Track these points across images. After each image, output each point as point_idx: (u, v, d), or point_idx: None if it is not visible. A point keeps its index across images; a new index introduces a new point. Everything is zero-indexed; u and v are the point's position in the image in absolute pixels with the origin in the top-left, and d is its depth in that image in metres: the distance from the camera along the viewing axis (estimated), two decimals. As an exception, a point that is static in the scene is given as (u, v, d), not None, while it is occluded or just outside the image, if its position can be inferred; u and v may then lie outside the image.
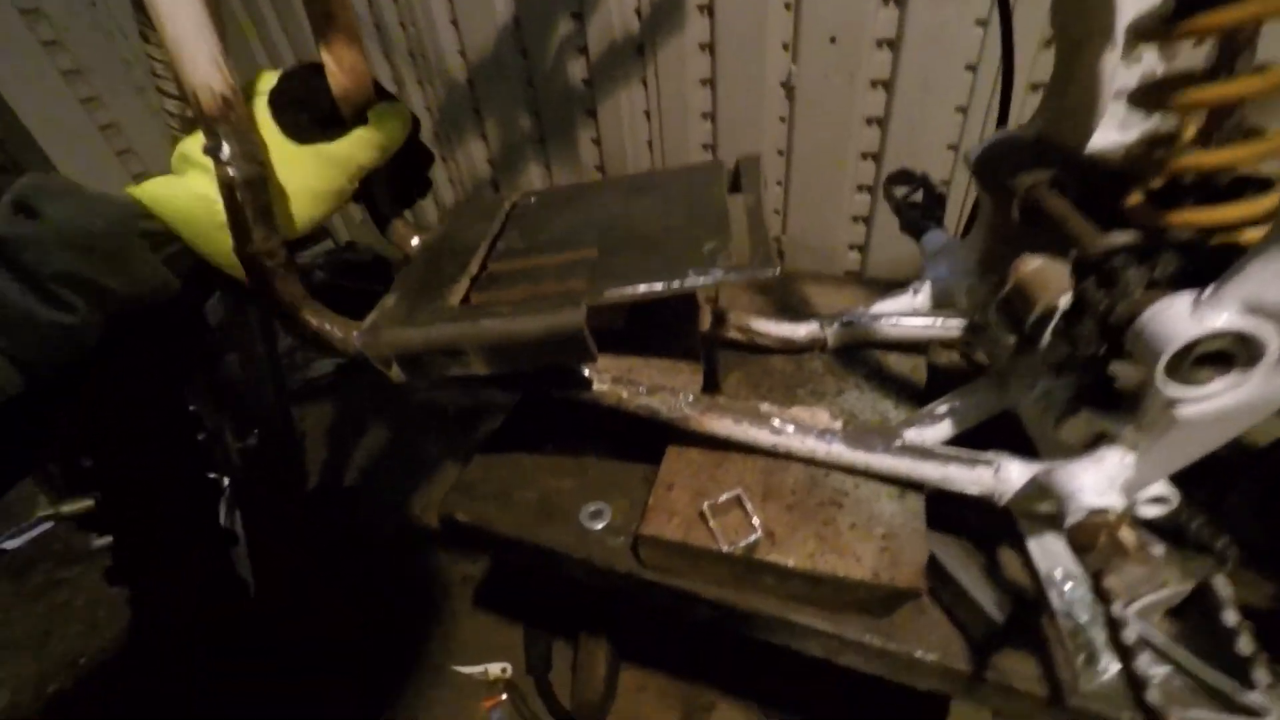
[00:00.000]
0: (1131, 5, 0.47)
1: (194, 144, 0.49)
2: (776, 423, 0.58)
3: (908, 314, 0.69)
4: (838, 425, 0.58)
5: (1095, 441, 0.46)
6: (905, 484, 0.56)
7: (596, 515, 0.64)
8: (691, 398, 0.58)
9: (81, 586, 1.46)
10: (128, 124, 1.75)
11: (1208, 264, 0.36)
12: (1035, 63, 1.05)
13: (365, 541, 1.42)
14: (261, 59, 1.94)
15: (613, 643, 1.02)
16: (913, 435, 0.57)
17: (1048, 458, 0.49)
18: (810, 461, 0.58)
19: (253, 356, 0.99)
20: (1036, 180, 0.54)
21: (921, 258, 0.76)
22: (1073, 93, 0.56)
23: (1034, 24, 0.99)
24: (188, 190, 0.48)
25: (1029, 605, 0.52)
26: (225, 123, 0.46)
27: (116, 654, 1.28)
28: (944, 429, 0.57)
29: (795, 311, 0.81)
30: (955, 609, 0.52)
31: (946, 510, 0.57)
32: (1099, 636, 0.49)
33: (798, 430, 0.57)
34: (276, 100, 0.51)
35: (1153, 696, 0.31)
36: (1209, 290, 0.35)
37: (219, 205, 0.50)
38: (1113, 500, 0.41)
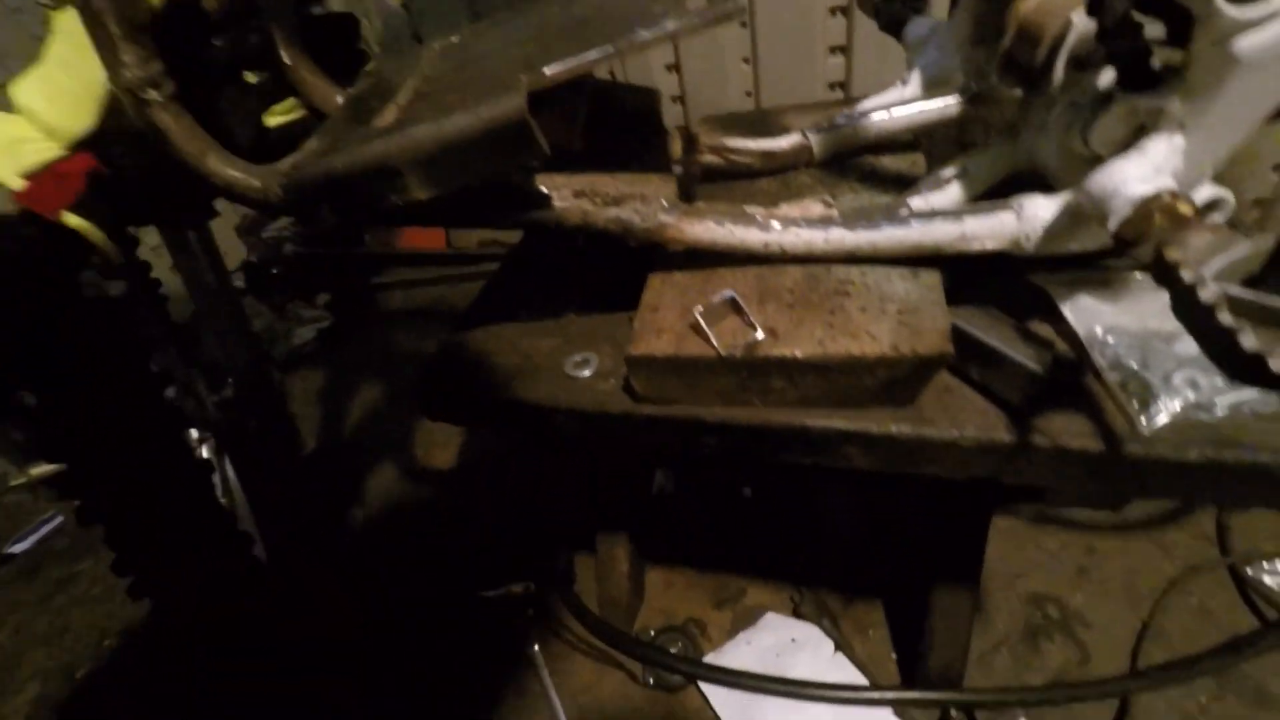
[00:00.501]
0: None
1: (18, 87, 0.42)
2: (765, 219, 0.51)
3: (899, 104, 0.62)
4: (834, 213, 0.51)
5: (1133, 139, 0.39)
6: (917, 261, 0.49)
7: (583, 364, 0.58)
8: (666, 203, 0.51)
9: (96, 577, 1.44)
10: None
11: None
12: None
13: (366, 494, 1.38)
14: None
15: (632, 540, 0.98)
16: (919, 203, 0.50)
17: (1077, 185, 0.42)
18: (808, 259, 0.52)
19: (202, 285, 0.92)
20: None
21: (906, 54, 0.68)
22: None
23: None
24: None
25: (1071, 367, 0.46)
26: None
27: (140, 631, 1.26)
28: (953, 194, 0.50)
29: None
30: (988, 379, 0.46)
31: (965, 293, 0.51)
32: (1154, 378, 0.44)
33: (789, 224, 0.51)
34: None
35: (1248, 342, 0.25)
36: None
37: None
38: (1164, 183, 0.35)
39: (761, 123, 0.77)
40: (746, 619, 0.99)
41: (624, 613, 1.00)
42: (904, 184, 0.61)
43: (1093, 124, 0.40)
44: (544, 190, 0.50)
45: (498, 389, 0.59)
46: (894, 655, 0.91)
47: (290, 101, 0.57)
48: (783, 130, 0.71)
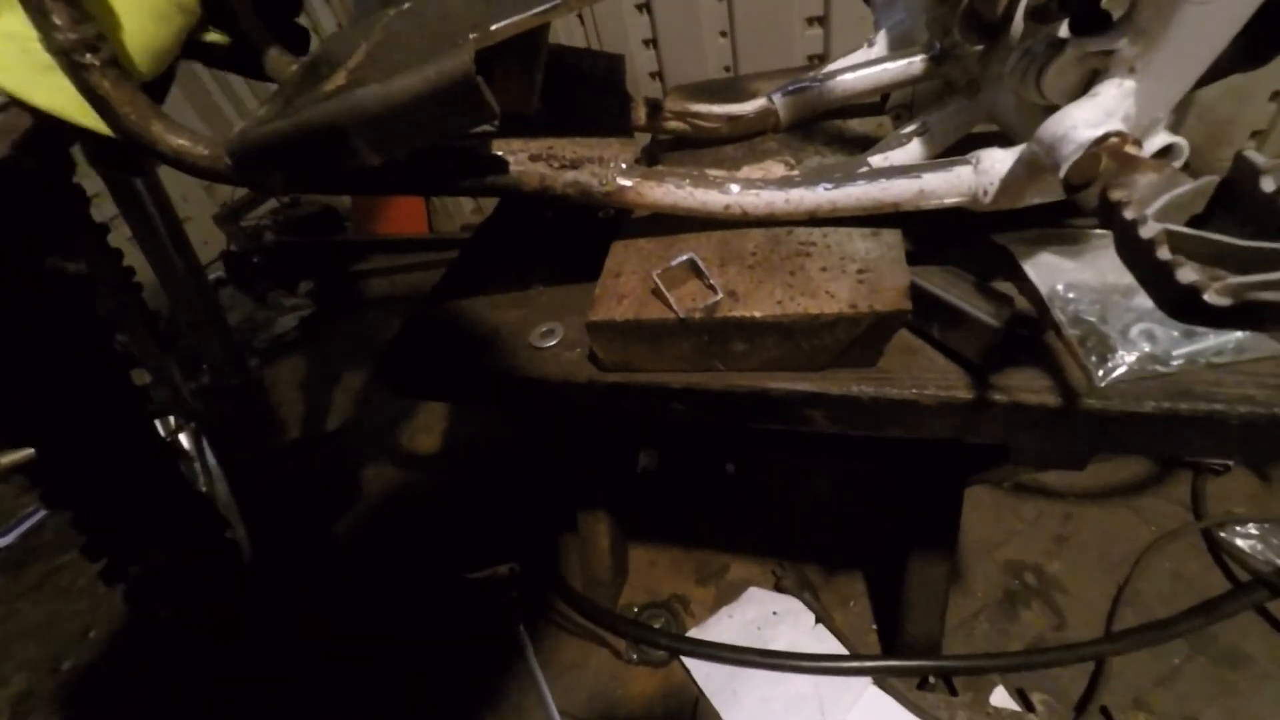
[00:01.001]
0: None
1: None
2: (725, 181, 0.50)
3: (863, 65, 0.61)
4: (795, 173, 0.51)
5: (1086, 84, 0.38)
6: (878, 220, 0.49)
7: (548, 334, 0.58)
8: (625, 165, 0.50)
9: (81, 570, 1.43)
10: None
11: None
12: None
13: (353, 479, 1.38)
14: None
15: (613, 517, 0.98)
16: (878, 161, 0.49)
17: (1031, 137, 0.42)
18: (770, 221, 0.51)
19: (171, 271, 0.90)
20: None
21: (873, 14, 0.67)
22: None
23: None
24: None
25: (1030, 323, 0.46)
26: None
27: (125, 622, 1.26)
28: (914, 150, 0.50)
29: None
30: (948, 337, 0.46)
31: (928, 255, 0.50)
32: (1112, 332, 0.44)
33: (749, 185, 0.50)
34: None
35: (1184, 276, 0.24)
36: None
37: (36, 43, 0.41)
38: (1113, 125, 0.34)
39: (731, 89, 0.75)
40: (729, 594, 1.00)
41: (608, 590, 1.00)
42: (870, 145, 0.60)
43: (1046, 71, 0.40)
44: (500, 154, 0.50)
45: (463, 361, 0.58)
46: (874, 626, 0.92)
47: None
48: (751, 97, 0.70)
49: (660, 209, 0.51)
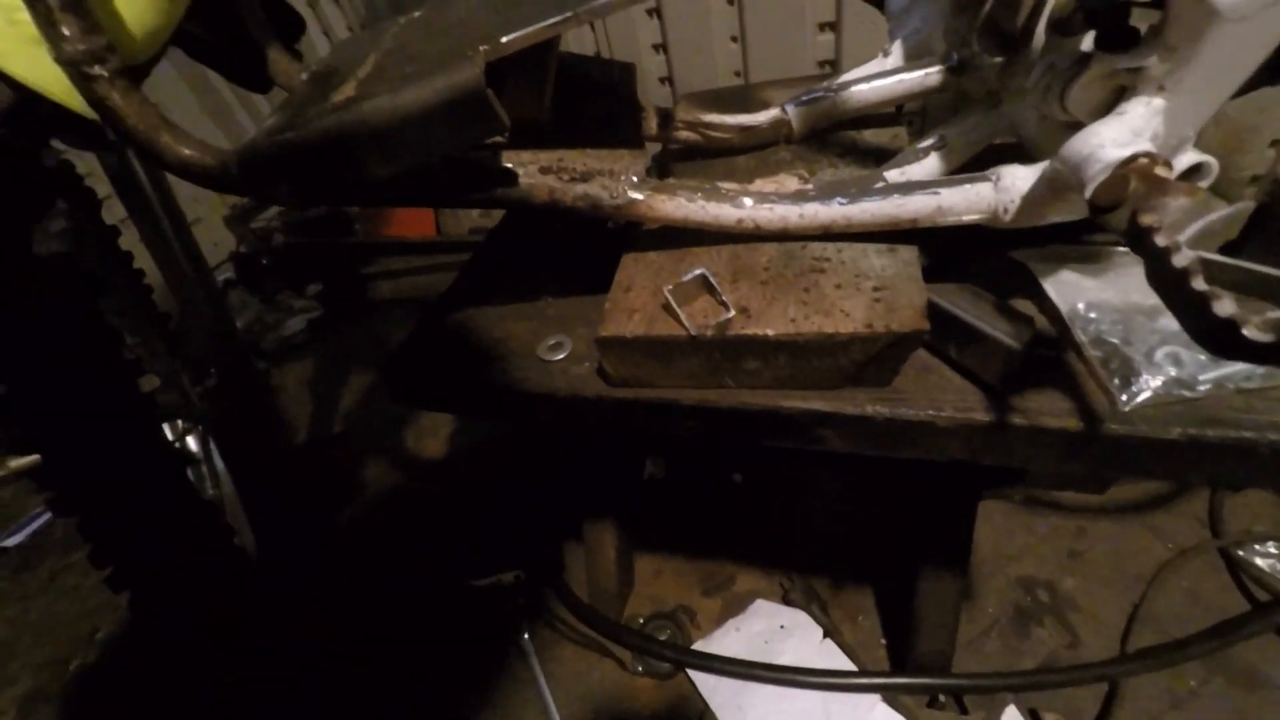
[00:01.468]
0: None
1: None
2: (738, 195, 0.49)
3: (879, 75, 0.60)
4: (809, 188, 0.50)
5: (1112, 102, 0.37)
6: (894, 236, 0.48)
7: (556, 348, 0.57)
8: (636, 178, 0.49)
9: (89, 570, 1.43)
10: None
11: None
12: None
13: (359, 482, 1.38)
14: None
15: (619, 526, 0.97)
16: (895, 176, 0.48)
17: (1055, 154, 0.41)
18: (783, 236, 0.50)
19: (178, 274, 0.90)
20: None
21: (889, 24, 0.66)
22: None
23: None
24: None
25: (1050, 343, 0.45)
26: None
27: (131, 623, 1.26)
28: (931, 165, 0.49)
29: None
30: (965, 357, 0.45)
31: (945, 270, 0.49)
32: (1136, 355, 0.42)
33: (764, 199, 0.49)
34: None
35: (1221, 309, 0.23)
36: None
37: (24, 13, 0.40)
38: (1141, 146, 0.33)
39: (743, 98, 0.74)
40: (736, 606, 0.99)
41: (614, 600, 0.99)
42: (885, 158, 0.59)
43: (1070, 87, 0.38)
44: (510, 166, 0.49)
45: (470, 374, 0.57)
46: (883, 641, 0.91)
47: None
48: (764, 106, 0.69)
49: (671, 222, 0.50)
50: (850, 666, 0.86)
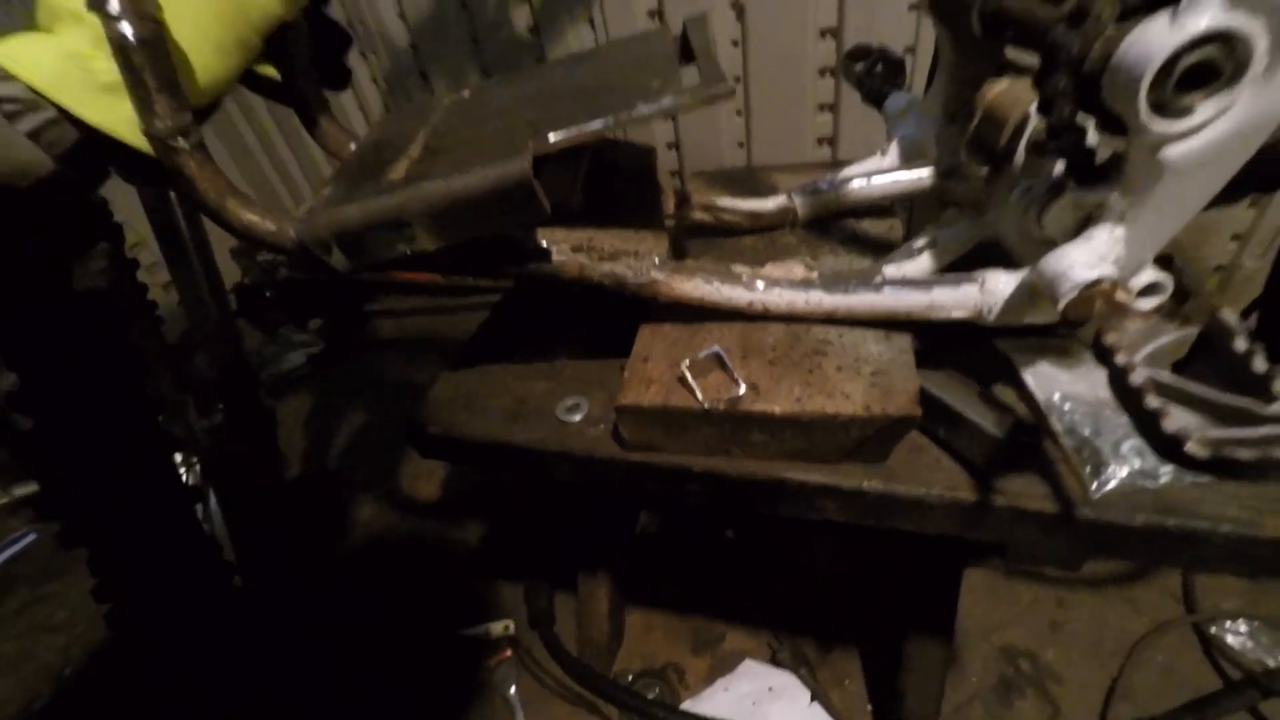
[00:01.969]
0: None
1: None
2: (750, 279, 0.54)
3: (877, 173, 0.66)
4: (814, 275, 0.55)
5: (1081, 226, 0.43)
6: (890, 324, 0.53)
7: (573, 409, 0.61)
8: (658, 260, 0.54)
9: (62, 602, 1.40)
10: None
11: (1183, -20, 0.33)
12: None
13: (347, 523, 1.37)
14: None
15: (613, 582, 0.99)
16: (892, 271, 0.54)
17: (1033, 264, 0.46)
18: (790, 318, 0.55)
19: (184, 259, 0.92)
20: (993, -15, 0.51)
21: (886, 124, 0.73)
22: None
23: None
24: (56, 48, 0.43)
25: (1029, 430, 0.49)
26: (113, -30, 0.41)
27: (101, 660, 1.23)
28: (924, 263, 0.54)
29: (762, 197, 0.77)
30: (953, 439, 0.49)
31: (936, 355, 0.54)
32: (1104, 446, 0.47)
33: (772, 284, 0.54)
34: None
35: (1169, 425, 0.28)
36: (1183, 2, 0.32)
37: (98, 63, 0.44)
38: (1106, 270, 0.38)
39: (750, 181, 0.81)
40: (725, 665, 0.99)
41: (603, 655, 1.00)
42: (881, 247, 0.65)
43: (1045, 210, 0.44)
44: (544, 244, 0.54)
45: (490, 429, 0.61)
46: (869, 707, 0.92)
47: None
48: (770, 189, 0.75)
49: (688, 301, 0.55)
50: (837, 731, 0.87)
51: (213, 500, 1.16)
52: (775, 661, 0.97)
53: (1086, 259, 0.40)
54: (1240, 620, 0.92)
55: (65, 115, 0.45)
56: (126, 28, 0.43)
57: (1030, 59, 0.49)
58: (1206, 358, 0.32)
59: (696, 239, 0.71)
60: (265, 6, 0.49)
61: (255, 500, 1.17)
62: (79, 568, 1.46)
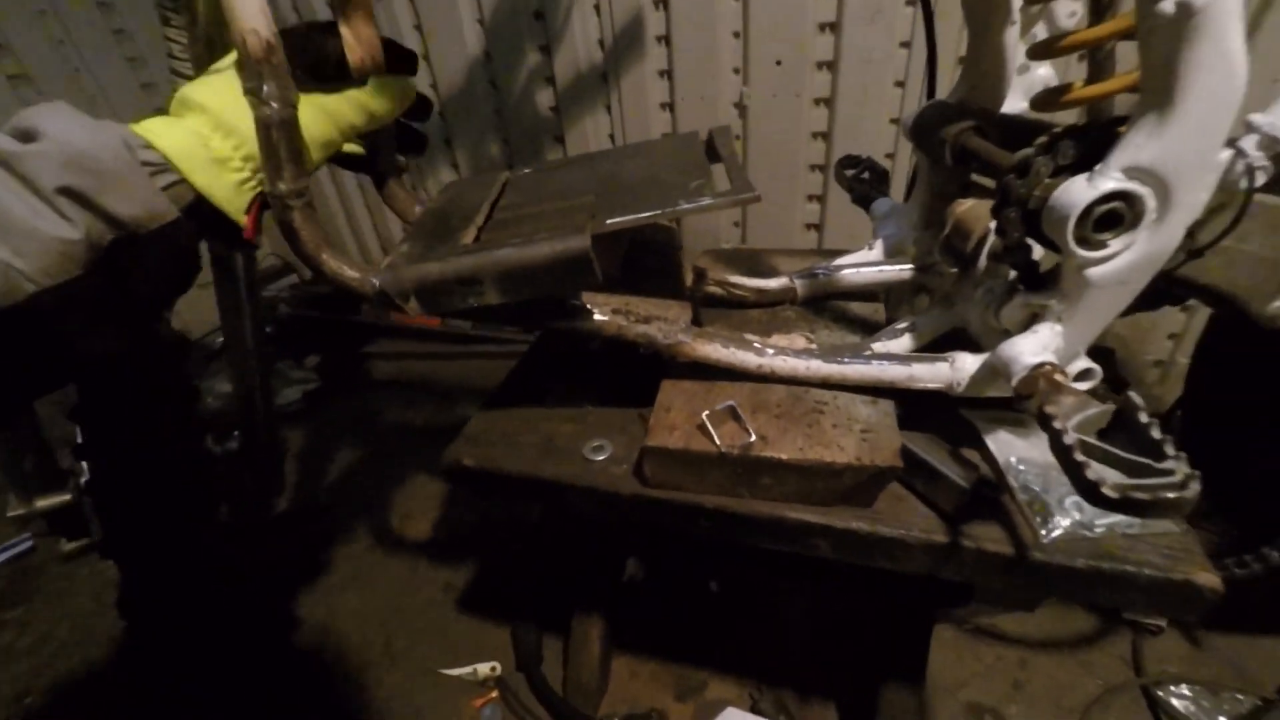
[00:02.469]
0: (1020, -18, 0.59)
1: (194, 89, 0.55)
2: (760, 346, 0.64)
3: (865, 265, 0.78)
4: (814, 346, 0.65)
5: (1029, 321, 0.54)
6: (876, 391, 0.63)
7: (598, 449, 0.68)
8: (684, 324, 0.64)
9: (26, 627, 1.37)
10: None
11: (1097, 150, 0.46)
12: (959, 40, 1.19)
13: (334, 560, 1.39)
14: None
15: (607, 622, 1.03)
16: (879, 347, 0.64)
17: (992, 349, 0.57)
18: (792, 380, 0.65)
19: (238, 305, 0.99)
20: (963, 127, 0.64)
21: (872, 223, 0.86)
22: (984, 64, 0.68)
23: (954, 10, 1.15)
24: (184, 128, 0.52)
25: (991, 486, 0.59)
26: (267, 64, 0.51)
27: (65, 686, 1.20)
28: (905, 342, 0.65)
29: (766, 276, 0.89)
30: (928, 490, 0.59)
31: (914, 420, 0.64)
32: (1051, 500, 0.57)
33: (779, 352, 0.64)
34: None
35: (1091, 474, 0.38)
36: (1099, 166, 0.45)
37: (214, 142, 0.54)
38: (1048, 357, 0.49)
39: (754, 261, 0.93)
40: (707, 712, 1.03)
41: (590, 698, 1.03)
42: (868, 326, 0.76)
43: (1002, 307, 0.56)
44: (588, 305, 0.63)
45: (522, 464, 0.68)
46: (845, 756, 0.96)
47: None
48: (772, 270, 0.87)
49: (707, 361, 0.64)
50: (816, 778, 0.91)
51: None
52: (756, 710, 1.01)
53: (1033, 348, 0.51)
54: (1183, 685, 1.00)
55: (184, 179, 0.54)
56: (273, 110, 0.53)
57: (991, 184, 0.62)
58: (1120, 427, 0.42)
59: (709, 309, 0.81)
60: (354, 120, 0.60)
61: (253, 528, 1.19)
62: (42, 594, 1.44)
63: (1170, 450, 0.38)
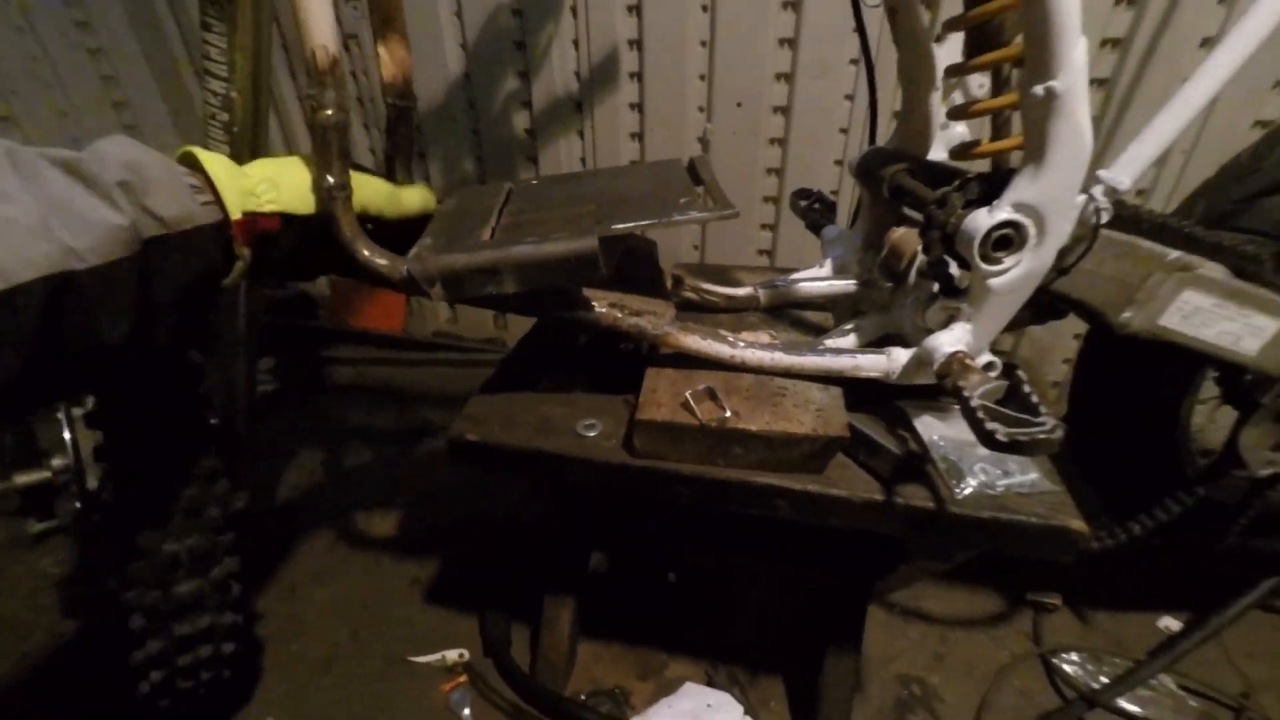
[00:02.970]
0: (944, 57, 0.75)
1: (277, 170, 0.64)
2: (733, 340, 0.76)
3: (817, 279, 0.92)
4: (777, 342, 0.78)
5: (948, 322, 0.68)
6: (827, 379, 0.76)
7: (590, 427, 0.78)
8: (670, 319, 0.75)
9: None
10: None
11: (995, 190, 0.60)
12: (894, 97, 1.38)
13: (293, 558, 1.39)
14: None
15: (577, 603, 1.10)
16: (830, 344, 0.77)
17: (919, 345, 0.71)
18: (759, 370, 0.77)
19: (235, 321, 1.03)
20: (897, 169, 0.80)
21: (822, 246, 1.01)
22: (915, 121, 0.84)
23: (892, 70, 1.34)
24: (221, 158, 0.60)
25: (918, 457, 0.72)
26: (331, 75, 0.60)
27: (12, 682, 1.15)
28: (850, 341, 0.79)
29: (733, 286, 1.02)
30: (869, 459, 0.71)
31: (858, 404, 0.77)
32: (964, 467, 0.70)
33: (749, 345, 0.76)
34: None
35: (989, 425, 0.51)
36: (996, 201, 0.59)
37: (296, 172, 0.63)
38: (960, 348, 0.63)
39: (722, 274, 1.06)
40: (668, 689, 1.11)
41: (558, 677, 1.09)
42: (818, 329, 0.90)
43: (926, 311, 0.70)
44: (588, 298, 0.73)
45: (521, 439, 0.76)
46: (791, 723, 1.06)
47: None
48: (738, 282, 1.00)
49: (687, 351, 0.75)
50: (767, 738, 1.00)
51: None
52: (712, 684, 1.10)
53: (950, 341, 0.64)
54: (1074, 653, 1.17)
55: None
56: (331, 115, 0.61)
57: (919, 216, 0.77)
58: (1011, 397, 0.55)
59: (684, 312, 0.93)
60: (368, 205, 0.71)
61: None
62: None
63: (1044, 410, 0.52)
